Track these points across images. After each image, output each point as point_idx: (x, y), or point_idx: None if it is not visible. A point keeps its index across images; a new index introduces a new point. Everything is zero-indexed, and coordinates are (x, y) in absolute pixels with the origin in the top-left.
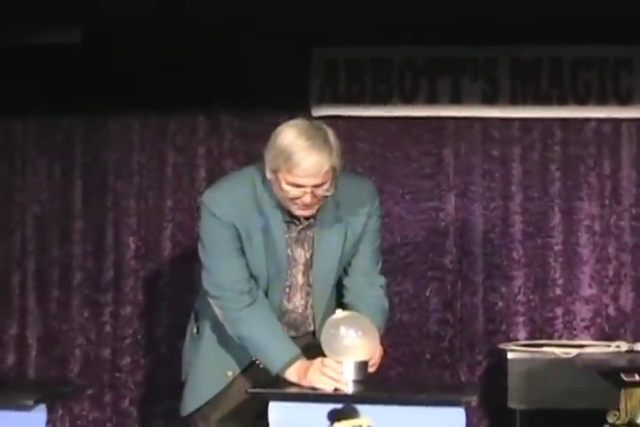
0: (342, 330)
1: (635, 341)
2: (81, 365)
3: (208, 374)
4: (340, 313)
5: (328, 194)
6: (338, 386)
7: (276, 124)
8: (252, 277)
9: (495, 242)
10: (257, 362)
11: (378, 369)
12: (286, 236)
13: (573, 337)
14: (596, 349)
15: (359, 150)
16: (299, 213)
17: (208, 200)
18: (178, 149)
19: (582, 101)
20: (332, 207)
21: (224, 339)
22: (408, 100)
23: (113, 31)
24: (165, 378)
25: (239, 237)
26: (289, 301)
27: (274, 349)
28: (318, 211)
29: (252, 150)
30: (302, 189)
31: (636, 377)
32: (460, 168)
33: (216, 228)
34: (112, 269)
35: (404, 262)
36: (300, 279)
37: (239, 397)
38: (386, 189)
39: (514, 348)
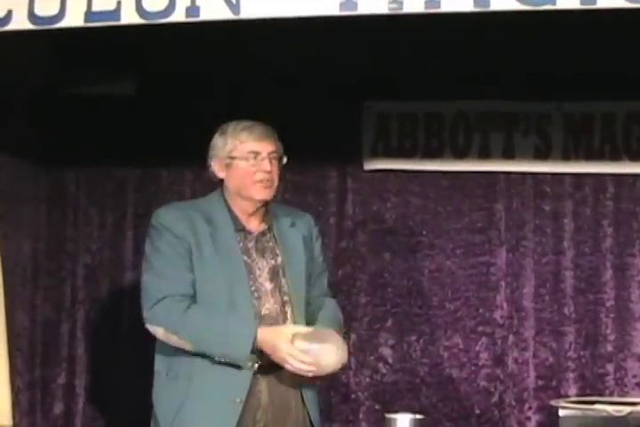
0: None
1: None
2: (129, 414)
3: (213, 407)
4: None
5: (283, 162)
6: (309, 369)
7: (327, 178)
8: (209, 288)
9: (546, 297)
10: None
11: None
12: (240, 244)
13: (625, 394)
14: None
15: (411, 204)
16: (260, 193)
17: (157, 218)
18: None
19: (635, 157)
20: (288, 224)
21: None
22: (460, 154)
23: (167, 83)
24: None
25: (190, 252)
26: (261, 306)
27: (236, 327)
28: (273, 225)
29: (303, 203)
30: (261, 156)
31: None
32: (511, 223)
33: (167, 242)
34: None
35: (454, 317)
36: (268, 286)
37: None
38: (437, 244)
39: (565, 405)
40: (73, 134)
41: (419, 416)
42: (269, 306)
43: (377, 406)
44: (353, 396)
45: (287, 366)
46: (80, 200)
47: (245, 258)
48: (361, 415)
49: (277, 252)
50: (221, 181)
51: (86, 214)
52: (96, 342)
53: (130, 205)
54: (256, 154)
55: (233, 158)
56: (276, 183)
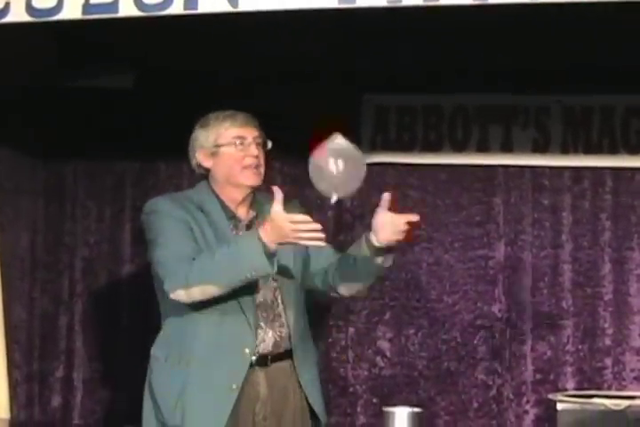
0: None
1: None
2: (127, 408)
3: (210, 393)
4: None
5: (268, 147)
6: (318, 236)
7: None
8: None
9: (544, 291)
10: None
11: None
12: (233, 232)
13: (623, 388)
14: None
15: (409, 198)
16: (250, 179)
17: (152, 206)
18: None
19: (633, 150)
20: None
21: (211, 354)
22: (459, 147)
23: (165, 76)
24: None
25: (193, 234)
26: (257, 292)
27: (240, 244)
28: (261, 213)
29: (301, 196)
30: (247, 141)
31: None
32: (509, 217)
33: (168, 223)
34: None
35: (452, 311)
36: None
37: None
38: (435, 237)
39: (563, 398)
40: (71, 127)
41: (416, 410)
42: (264, 292)
43: (375, 400)
44: (351, 389)
45: (302, 237)
46: (78, 193)
47: None
48: (359, 409)
49: None
50: (207, 172)
51: (84, 207)
52: (94, 335)
53: (128, 199)
54: (242, 139)
55: (219, 146)
56: (263, 168)
